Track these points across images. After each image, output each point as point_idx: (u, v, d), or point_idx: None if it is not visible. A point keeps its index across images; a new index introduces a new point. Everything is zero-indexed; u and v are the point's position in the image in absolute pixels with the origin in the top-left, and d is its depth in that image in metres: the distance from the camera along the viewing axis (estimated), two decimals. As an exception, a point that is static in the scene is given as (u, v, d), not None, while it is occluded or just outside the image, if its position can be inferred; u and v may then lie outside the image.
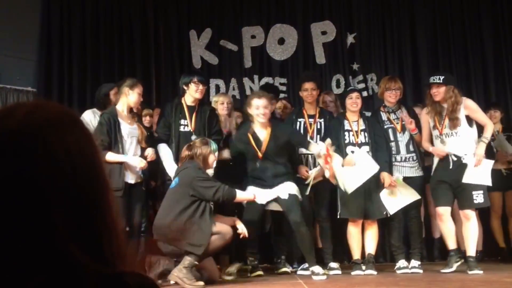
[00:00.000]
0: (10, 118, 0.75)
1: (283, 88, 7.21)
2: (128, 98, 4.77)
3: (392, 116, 5.33)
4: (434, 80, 5.00)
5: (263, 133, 4.91)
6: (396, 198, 5.03)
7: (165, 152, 4.90)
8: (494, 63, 7.21)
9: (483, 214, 6.28)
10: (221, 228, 4.34)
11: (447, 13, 7.37)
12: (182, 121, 4.94)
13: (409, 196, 5.07)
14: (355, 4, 7.40)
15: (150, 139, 5.08)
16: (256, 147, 4.87)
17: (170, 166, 4.81)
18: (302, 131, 5.26)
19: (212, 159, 4.56)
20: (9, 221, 0.70)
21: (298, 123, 5.29)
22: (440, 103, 4.97)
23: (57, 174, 0.72)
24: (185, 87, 4.98)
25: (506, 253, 6.20)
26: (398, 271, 5.02)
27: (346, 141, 5.13)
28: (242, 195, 4.55)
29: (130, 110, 4.88)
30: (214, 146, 4.60)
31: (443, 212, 4.96)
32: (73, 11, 6.95)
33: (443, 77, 5.00)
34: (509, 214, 6.21)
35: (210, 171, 4.64)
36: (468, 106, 4.98)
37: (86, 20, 6.98)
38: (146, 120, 5.60)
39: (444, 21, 7.36)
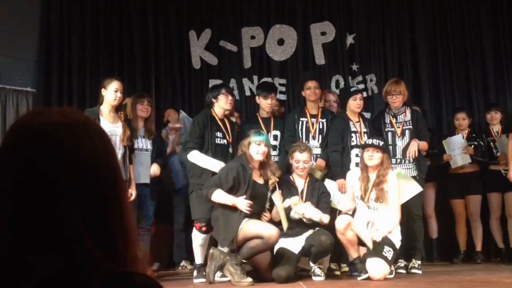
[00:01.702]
0: (45, 115, 0.81)
1: (282, 88, 7.21)
2: (106, 98, 4.85)
3: (394, 120, 5.32)
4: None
5: (301, 183, 4.93)
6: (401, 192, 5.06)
7: (201, 156, 4.87)
8: (494, 63, 7.21)
9: (483, 215, 6.31)
10: (265, 232, 4.46)
11: (447, 14, 7.37)
12: (218, 134, 4.96)
13: (412, 189, 5.07)
14: (354, 5, 7.40)
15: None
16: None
17: (214, 164, 4.82)
18: (304, 130, 5.26)
19: (254, 149, 4.61)
20: (32, 207, 0.74)
21: (300, 122, 5.28)
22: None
23: (82, 169, 0.77)
24: (214, 100, 5.03)
25: (505, 254, 6.21)
26: (398, 271, 5.04)
27: (353, 143, 5.15)
28: (219, 199, 4.52)
29: (117, 109, 4.95)
30: (254, 137, 4.64)
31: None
32: (72, 12, 6.94)
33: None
34: (508, 214, 6.22)
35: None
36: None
37: (85, 20, 6.97)
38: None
39: (443, 22, 7.37)
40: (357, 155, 5.12)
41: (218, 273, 4.71)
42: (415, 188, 5.07)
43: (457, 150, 6.07)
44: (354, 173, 4.88)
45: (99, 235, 0.76)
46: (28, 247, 0.73)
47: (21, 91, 6.59)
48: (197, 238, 4.88)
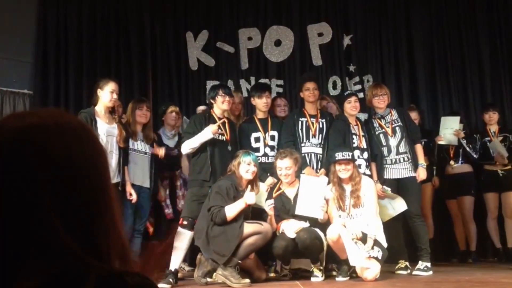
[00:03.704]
0: (20, 118, 0.80)
1: (280, 89, 7.21)
2: (101, 98, 4.87)
3: (383, 122, 5.37)
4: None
5: (291, 192, 4.92)
6: (387, 209, 5.08)
7: (191, 139, 4.91)
8: (490, 64, 7.23)
9: (479, 215, 6.32)
10: (261, 227, 4.51)
11: (443, 15, 7.39)
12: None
13: (398, 207, 5.10)
14: (351, 6, 7.41)
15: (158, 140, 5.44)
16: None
17: (203, 134, 4.86)
18: (304, 130, 5.26)
19: (244, 169, 4.64)
20: (8, 212, 0.73)
21: (300, 122, 5.28)
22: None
23: (56, 170, 0.76)
24: (212, 101, 5.08)
25: (502, 254, 6.22)
26: (398, 272, 5.05)
27: (355, 145, 5.17)
28: (233, 211, 4.49)
29: (112, 110, 4.99)
30: (243, 157, 4.67)
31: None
32: (69, 13, 6.94)
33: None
34: (505, 214, 6.23)
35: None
36: None
37: (82, 22, 6.97)
38: (171, 117, 5.81)
39: (440, 23, 7.38)
40: (358, 157, 5.15)
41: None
42: (402, 207, 5.09)
43: (450, 130, 6.14)
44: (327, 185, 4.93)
45: (80, 237, 0.75)
46: (12, 252, 0.72)
47: (18, 93, 6.58)
48: (178, 237, 4.80)
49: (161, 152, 5.27)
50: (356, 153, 5.14)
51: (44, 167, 0.75)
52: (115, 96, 4.88)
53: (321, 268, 4.69)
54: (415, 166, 5.22)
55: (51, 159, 0.76)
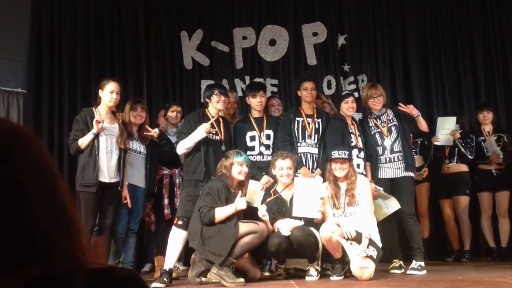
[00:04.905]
0: None
1: (274, 89, 7.21)
2: (102, 98, 4.92)
3: (379, 121, 5.38)
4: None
5: (287, 194, 4.90)
6: (381, 208, 5.09)
7: (185, 140, 4.90)
8: (484, 64, 7.25)
9: (473, 214, 6.34)
10: (257, 227, 4.52)
11: (437, 14, 7.41)
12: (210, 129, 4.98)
13: (392, 206, 5.11)
14: (346, 6, 7.42)
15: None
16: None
17: (197, 133, 4.85)
18: (300, 130, 5.27)
19: (236, 170, 4.64)
20: None
21: (296, 122, 5.29)
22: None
23: (34, 173, 0.79)
24: (207, 100, 5.08)
25: (496, 253, 6.24)
26: (392, 271, 5.06)
27: (353, 144, 5.18)
28: (222, 214, 4.47)
29: (114, 110, 5.02)
30: (237, 158, 4.66)
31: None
32: (63, 12, 6.91)
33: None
34: (499, 214, 6.26)
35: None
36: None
37: (76, 21, 6.94)
38: (172, 117, 5.88)
39: (434, 22, 7.41)
40: (357, 156, 5.15)
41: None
42: (395, 206, 5.11)
43: (446, 130, 6.12)
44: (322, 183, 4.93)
45: (65, 234, 0.77)
46: (2, 252, 0.73)
47: (12, 92, 6.56)
48: (173, 236, 4.84)
49: (155, 130, 5.26)
50: (354, 152, 5.15)
51: (27, 171, 0.77)
52: (115, 96, 4.92)
53: (318, 267, 4.69)
54: (407, 162, 5.23)
55: (32, 164, 0.79)
